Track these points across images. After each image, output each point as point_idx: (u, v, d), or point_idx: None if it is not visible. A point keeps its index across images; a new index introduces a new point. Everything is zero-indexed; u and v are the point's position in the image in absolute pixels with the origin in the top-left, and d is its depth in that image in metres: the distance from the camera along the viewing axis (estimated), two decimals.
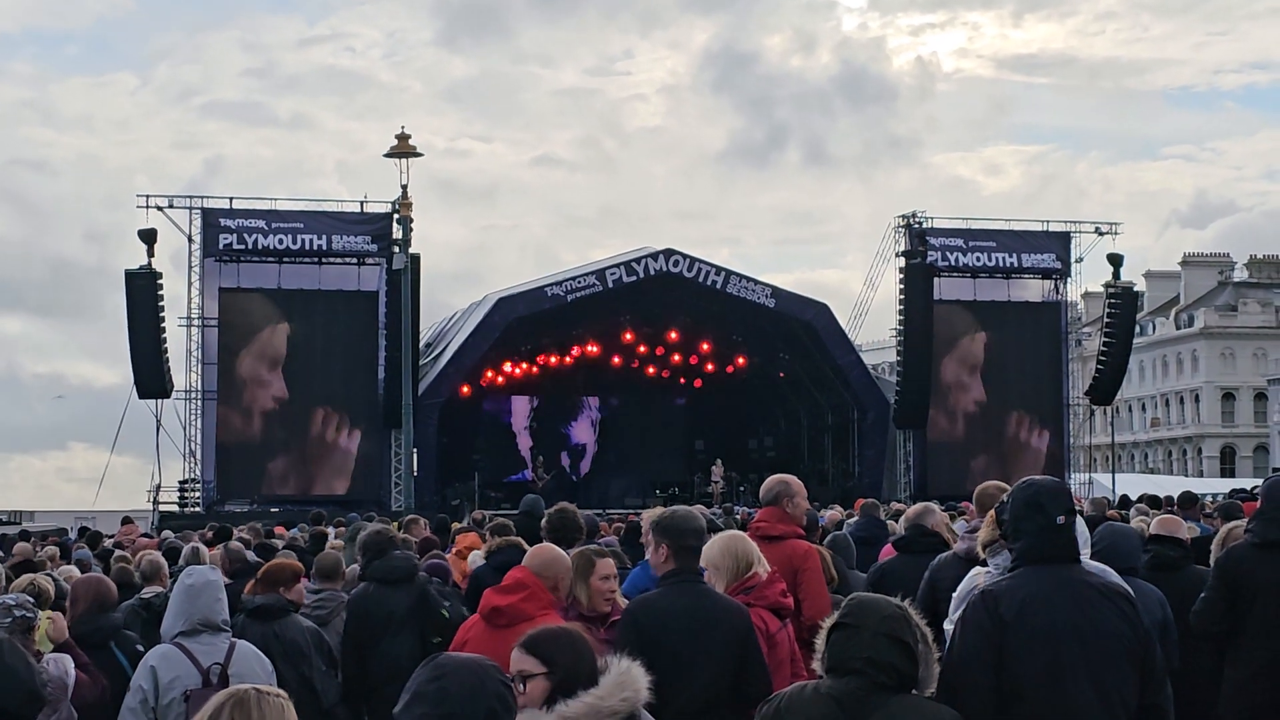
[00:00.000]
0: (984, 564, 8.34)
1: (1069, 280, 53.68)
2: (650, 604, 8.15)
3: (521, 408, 57.96)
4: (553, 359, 55.26)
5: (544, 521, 11.84)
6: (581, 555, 8.81)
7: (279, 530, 22.99)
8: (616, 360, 55.42)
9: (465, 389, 51.05)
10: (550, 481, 49.67)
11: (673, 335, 55.66)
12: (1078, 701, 6.39)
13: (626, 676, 5.74)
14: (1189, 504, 19.77)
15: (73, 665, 8.52)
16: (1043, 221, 53.98)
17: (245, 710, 4.70)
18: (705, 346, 55.94)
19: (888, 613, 5.77)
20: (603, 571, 8.68)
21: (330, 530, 22.71)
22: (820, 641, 5.76)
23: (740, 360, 56.43)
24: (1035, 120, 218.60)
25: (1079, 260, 53.29)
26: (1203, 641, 9.43)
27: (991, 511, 7.98)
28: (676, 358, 56.13)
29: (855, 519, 18.01)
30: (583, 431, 58.95)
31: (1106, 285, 52.52)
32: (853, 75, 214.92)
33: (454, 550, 16.25)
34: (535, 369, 55.30)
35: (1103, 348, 52.52)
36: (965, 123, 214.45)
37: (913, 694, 5.70)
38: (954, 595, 8.44)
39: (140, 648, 9.95)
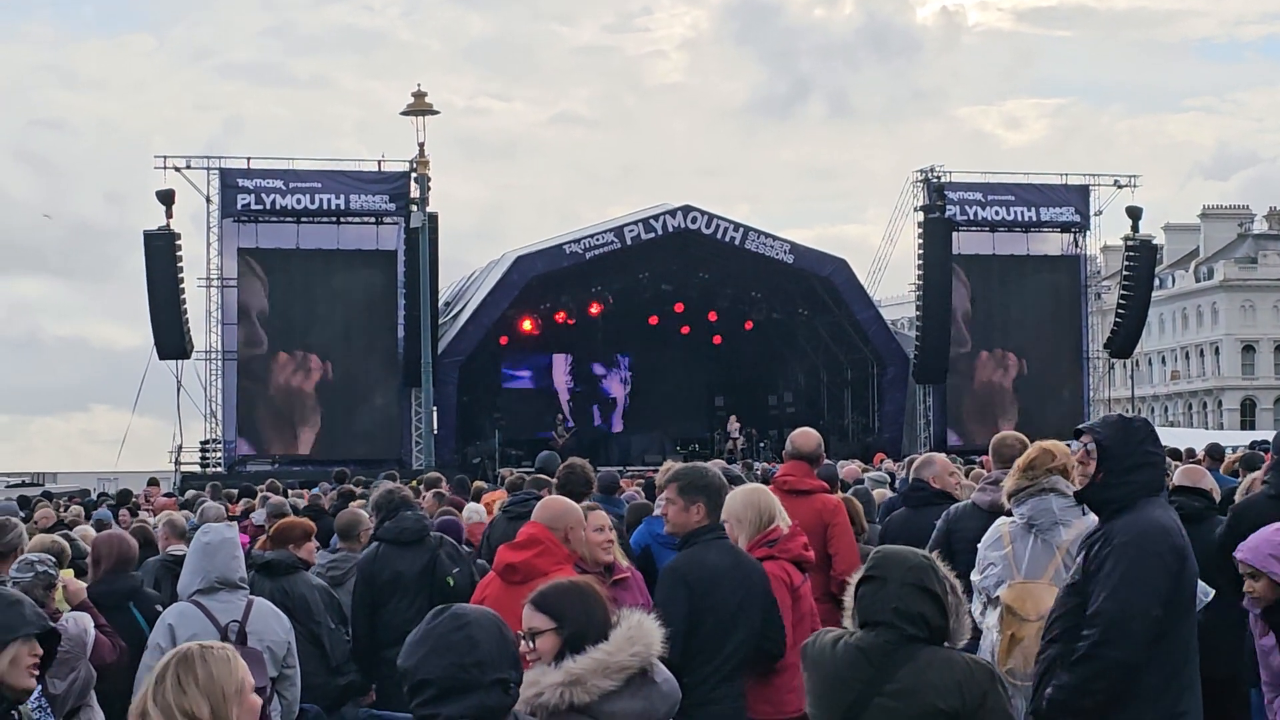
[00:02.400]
0: (1008, 514, 8.31)
1: (1088, 234, 53.56)
2: (697, 560, 8.07)
3: (561, 364, 57.91)
4: (572, 317, 55.20)
5: (555, 478, 11.81)
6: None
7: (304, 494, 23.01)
8: (635, 318, 55.36)
9: (485, 347, 51.02)
10: (570, 439, 49.68)
11: (692, 292, 55.58)
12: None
13: (637, 630, 5.72)
14: (1218, 456, 19.71)
15: (91, 624, 8.53)
16: (1062, 175, 53.83)
17: (190, 666, 4.67)
18: (724, 303, 55.85)
19: (914, 563, 5.69)
20: (595, 524, 8.67)
21: (355, 489, 22.77)
22: (849, 596, 5.73)
23: (759, 316, 56.32)
24: (1057, 73, 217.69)
25: (1098, 213, 53.14)
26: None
27: (1019, 460, 7.95)
28: (695, 314, 56.05)
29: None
30: (614, 388, 58.94)
31: (1125, 238, 52.32)
32: (876, 27, 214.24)
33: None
34: (554, 327, 55.24)
35: (1121, 301, 52.36)
36: (988, 75, 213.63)
37: (943, 647, 5.65)
38: (980, 545, 8.41)
39: (159, 607, 9.98)
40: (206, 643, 4.84)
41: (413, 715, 4.90)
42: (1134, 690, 6.27)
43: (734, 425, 51.86)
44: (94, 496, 30.18)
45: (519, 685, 4.97)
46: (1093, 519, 7.04)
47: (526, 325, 53.73)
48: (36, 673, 5.88)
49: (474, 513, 14.58)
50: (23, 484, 52.01)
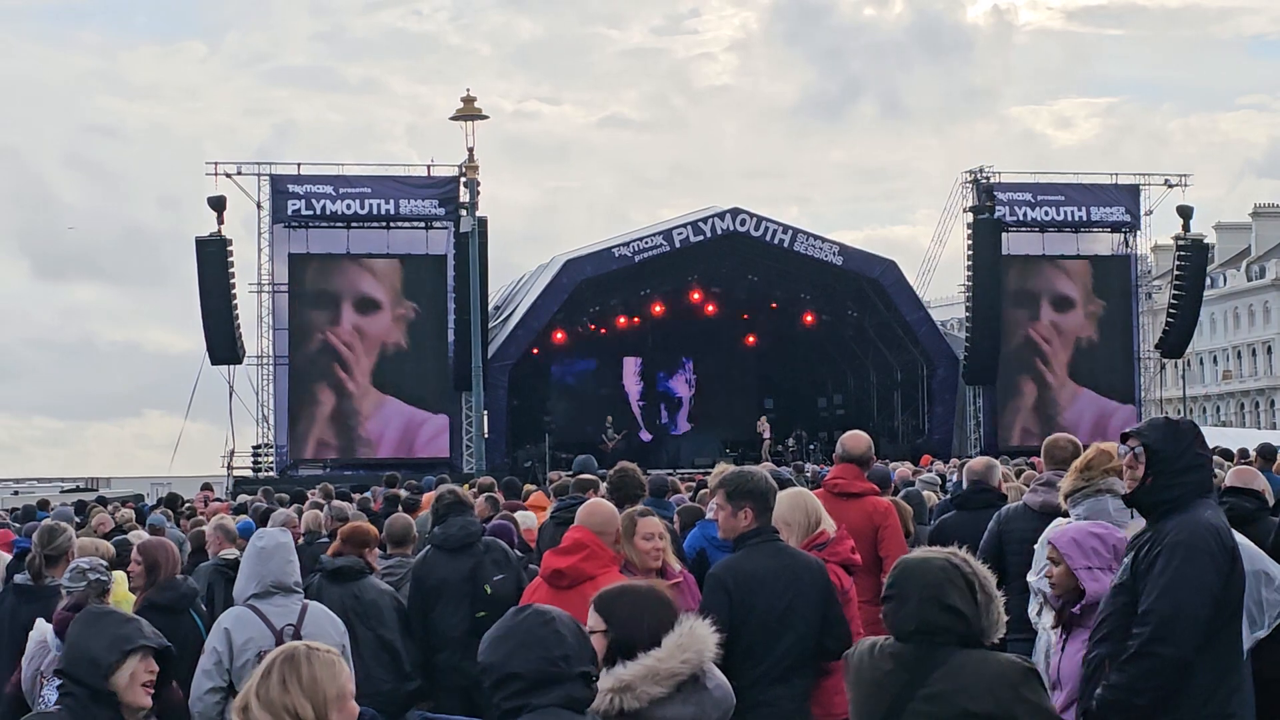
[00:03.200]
0: (1065, 515, 8.31)
1: (1139, 233, 53.30)
2: (737, 567, 8.11)
3: (631, 368, 57.88)
4: (621, 320, 55.24)
5: (606, 481, 11.81)
6: (626, 516, 8.83)
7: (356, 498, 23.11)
8: (684, 320, 55.35)
9: (534, 351, 51.10)
10: (620, 442, 49.73)
11: (741, 294, 55.56)
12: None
13: (688, 637, 5.76)
14: (1270, 456, 19.61)
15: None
16: (1112, 174, 53.57)
17: (295, 666, 4.74)
18: (773, 305, 55.82)
19: (931, 578, 5.65)
20: (645, 530, 8.69)
21: (403, 493, 22.83)
22: (887, 608, 5.77)
23: (809, 318, 56.24)
24: (1108, 72, 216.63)
25: (1149, 213, 52.88)
26: None
27: (1077, 461, 7.94)
28: (745, 317, 56.02)
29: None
30: (680, 388, 58.89)
31: (1176, 238, 52.07)
32: (927, 26, 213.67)
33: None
34: (604, 330, 55.30)
35: (1173, 300, 52.09)
36: (1039, 74, 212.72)
37: (979, 648, 5.67)
38: (1038, 545, 8.41)
39: (204, 608, 10.03)
40: (314, 644, 4.93)
41: (497, 710, 4.99)
42: (1185, 690, 6.26)
43: (763, 425, 51.97)
44: (147, 502, 30.37)
45: (598, 680, 5.11)
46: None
47: (576, 329, 53.79)
48: (152, 690, 5.94)
49: (528, 519, 14.64)
50: (77, 489, 52.48)
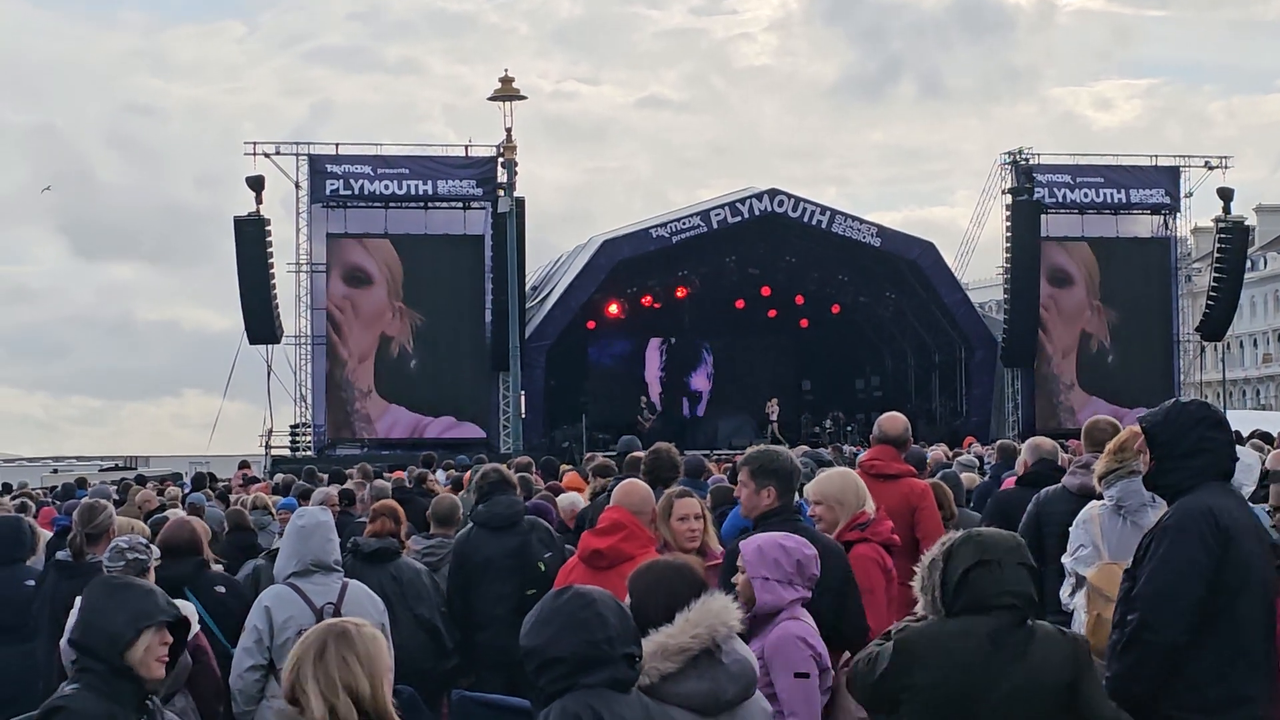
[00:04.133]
0: (1099, 497, 8.29)
1: (1179, 215, 53.06)
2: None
3: (654, 351, 57.81)
4: (658, 301, 55.19)
5: (641, 462, 11.81)
6: (664, 497, 8.83)
7: (396, 474, 23.15)
8: (721, 302, 55.31)
9: (572, 332, 51.10)
10: (656, 422, 49.71)
11: (778, 275, 55.46)
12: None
13: (700, 613, 5.77)
14: None
15: (194, 610, 8.57)
16: (1151, 156, 53.33)
17: (350, 643, 4.79)
18: (811, 286, 55.69)
19: (1015, 543, 5.85)
20: (681, 512, 8.67)
21: (440, 473, 22.89)
22: (932, 580, 5.75)
23: (846, 300, 56.17)
24: (1150, 53, 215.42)
25: (1189, 195, 52.67)
26: None
27: (1110, 443, 7.91)
28: (782, 298, 55.91)
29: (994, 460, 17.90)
30: (699, 381, 58.75)
31: (1217, 220, 51.80)
32: (968, 5, 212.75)
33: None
34: (641, 311, 55.24)
35: (1213, 283, 51.86)
36: (1081, 55, 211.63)
37: (1042, 621, 5.76)
38: (1072, 527, 8.39)
39: (220, 589, 10.02)
40: (357, 620, 4.98)
41: (542, 693, 5.02)
42: (1187, 672, 6.20)
43: (772, 407, 52.00)
44: (186, 480, 30.52)
45: (641, 659, 5.12)
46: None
47: (613, 309, 53.77)
48: (166, 661, 5.97)
49: (569, 500, 14.65)
50: (115, 468, 52.68)
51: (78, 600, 6.11)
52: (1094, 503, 8.33)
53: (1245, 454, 7.71)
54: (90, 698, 5.68)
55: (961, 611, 5.66)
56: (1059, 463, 11.31)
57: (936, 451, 23.45)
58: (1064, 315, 52.20)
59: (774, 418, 51.47)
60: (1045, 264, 51.59)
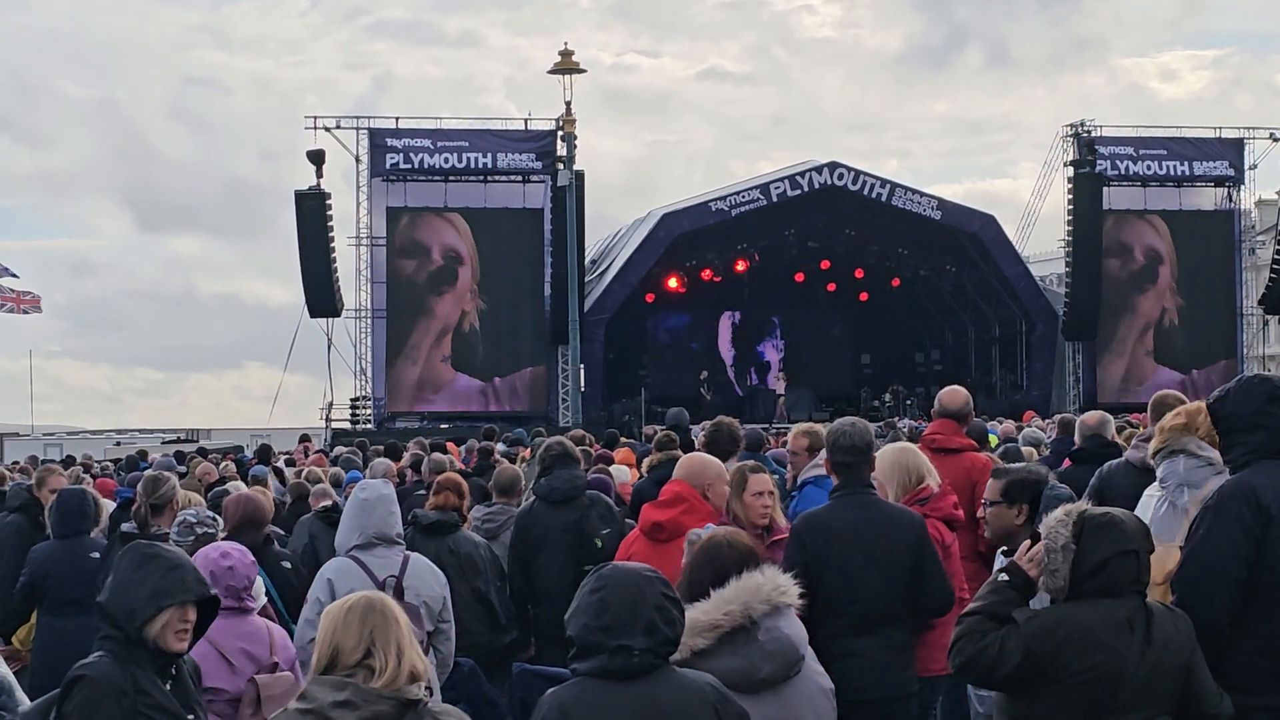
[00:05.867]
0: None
1: (1242, 187, 52.63)
2: (814, 520, 8.16)
3: (726, 325, 57.66)
4: (718, 274, 55.14)
5: (701, 435, 11.78)
6: (737, 471, 8.81)
7: (450, 447, 23.21)
8: (781, 275, 55.22)
9: (631, 305, 51.11)
10: (716, 396, 49.70)
11: (838, 249, 55.32)
12: None
13: (736, 590, 5.74)
14: None
15: (262, 589, 8.60)
16: (1215, 128, 52.89)
17: (391, 608, 4.98)
18: (871, 260, 55.54)
19: (1147, 530, 5.87)
20: (755, 488, 8.65)
21: (501, 446, 22.92)
22: (1066, 563, 5.67)
23: (906, 273, 56.00)
24: (1217, 24, 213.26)
25: (1253, 167, 52.23)
26: None
27: (1164, 419, 7.82)
28: (842, 272, 55.77)
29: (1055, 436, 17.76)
30: (769, 351, 58.58)
31: None
32: None
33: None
34: (700, 284, 55.22)
35: (1277, 256, 51.31)
36: (1148, 25, 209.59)
37: (1150, 601, 5.78)
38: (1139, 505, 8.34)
39: (286, 564, 10.09)
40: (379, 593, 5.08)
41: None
42: (1234, 651, 6.09)
43: (780, 382, 51.95)
44: (246, 453, 30.70)
45: (653, 652, 4.98)
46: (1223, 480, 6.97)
47: (673, 283, 53.75)
48: (188, 637, 6.00)
49: (620, 473, 14.65)
50: (178, 440, 53.02)
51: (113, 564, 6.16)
52: (1154, 485, 8.28)
53: None
54: (110, 664, 5.74)
55: (1090, 594, 5.65)
56: (1109, 437, 11.23)
57: (1006, 425, 23.44)
58: (1144, 290, 51.98)
59: (780, 392, 51.72)
60: (1139, 243, 51.53)
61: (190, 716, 5.97)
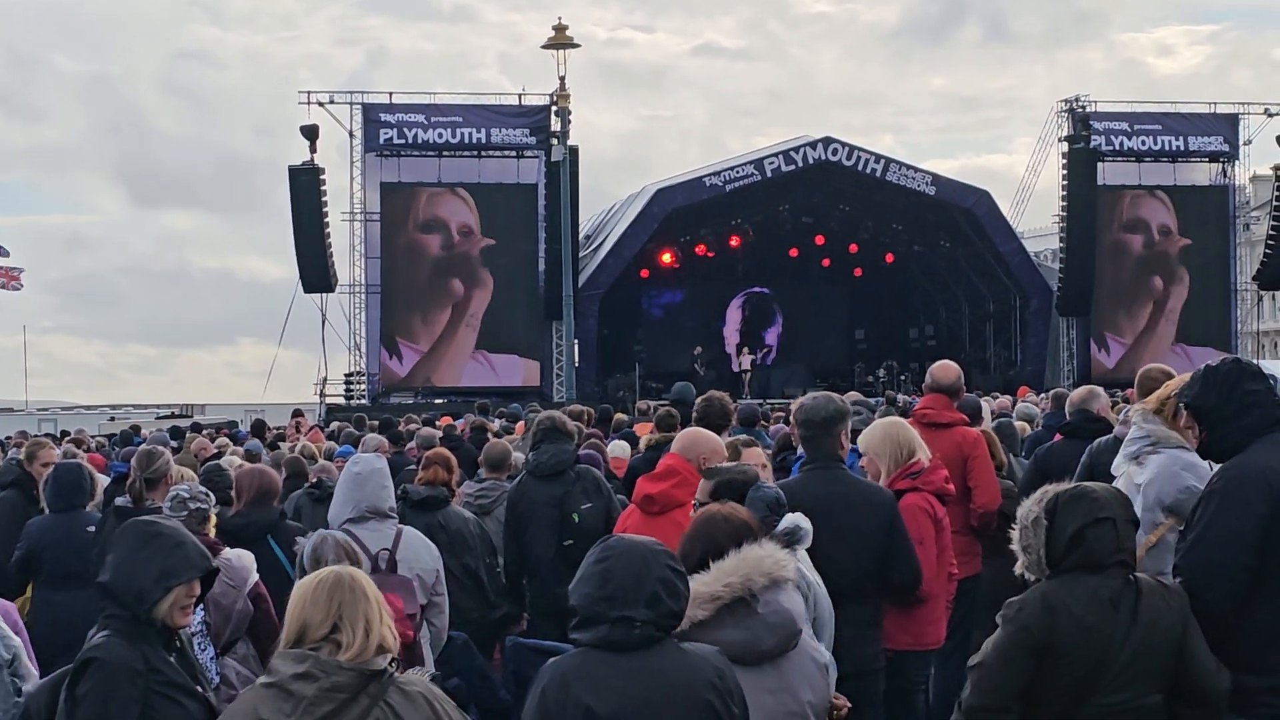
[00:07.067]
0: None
1: (1237, 163, 52.62)
2: (785, 491, 8.17)
3: (735, 305, 57.53)
4: (712, 250, 55.15)
5: (694, 410, 11.85)
6: (730, 446, 8.85)
7: (444, 421, 23.24)
8: (775, 250, 55.23)
9: (625, 280, 51.12)
10: (710, 372, 49.73)
11: (832, 224, 55.34)
12: None
13: (735, 562, 5.76)
14: None
15: (253, 561, 8.64)
16: (1210, 103, 52.90)
17: (362, 581, 5.02)
18: (865, 235, 55.56)
19: (1125, 498, 5.79)
20: (750, 461, 8.70)
21: (495, 421, 22.94)
22: (1038, 539, 5.64)
23: (900, 249, 56.05)
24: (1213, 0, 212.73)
25: (1248, 143, 52.16)
26: None
27: (1151, 397, 7.78)
28: (836, 247, 55.80)
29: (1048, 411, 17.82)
30: (772, 332, 58.39)
31: (1276, 168, 51.30)
32: None
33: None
34: (695, 259, 55.25)
35: (1271, 232, 51.34)
36: (1142, 0, 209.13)
37: (1142, 577, 5.71)
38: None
39: (300, 539, 10.13)
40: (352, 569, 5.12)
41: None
42: (1242, 632, 6.01)
43: (745, 358, 52.11)
44: (241, 429, 30.72)
45: (654, 624, 4.99)
46: (1159, 460, 6.93)
47: (667, 258, 53.79)
48: (192, 612, 6.05)
49: (618, 449, 14.68)
50: (172, 415, 53.03)
51: (111, 542, 6.16)
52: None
53: None
54: (119, 644, 5.74)
55: (1071, 570, 5.59)
56: (1095, 411, 11.25)
57: (1002, 400, 23.48)
58: (1143, 264, 52.13)
59: (745, 368, 51.79)
60: (1157, 222, 51.72)
61: (198, 688, 6.01)
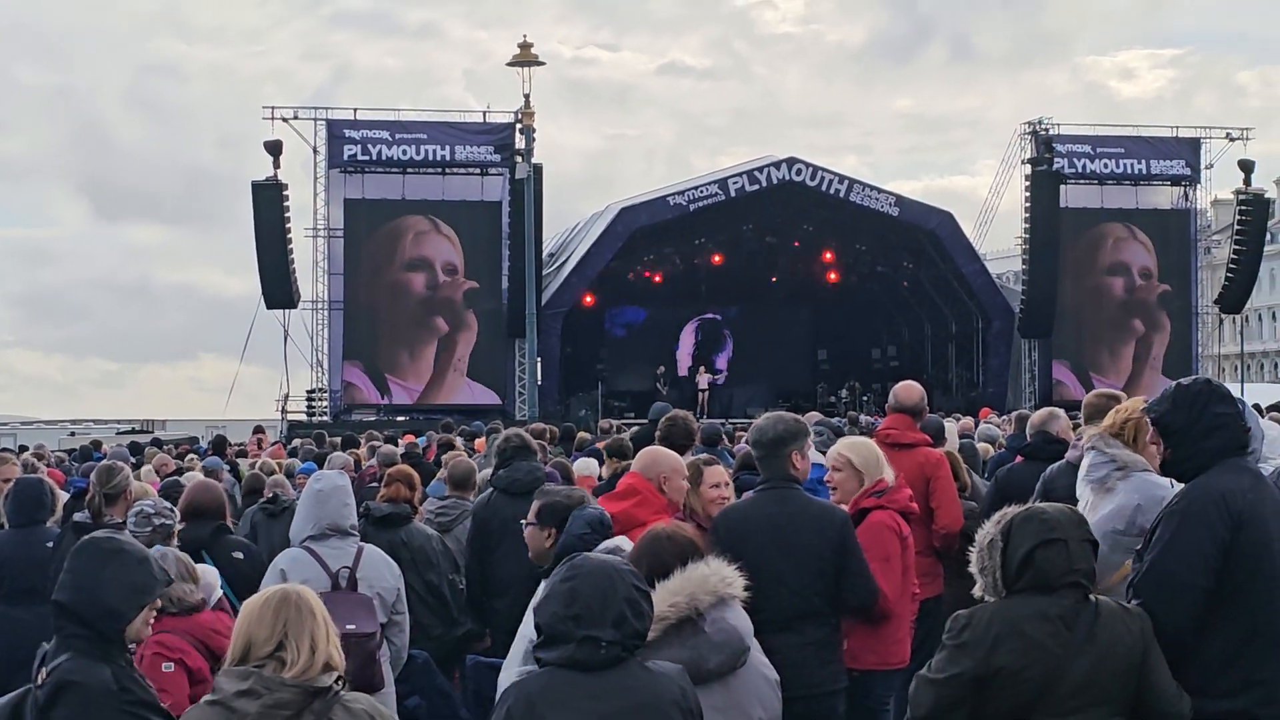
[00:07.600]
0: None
1: (1199, 187, 52.94)
2: (732, 514, 8.19)
3: (688, 334, 57.54)
4: (675, 269, 55.19)
5: (657, 429, 11.81)
6: (691, 465, 8.82)
7: (406, 438, 23.16)
8: (739, 270, 55.29)
9: (588, 299, 51.14)
10: (672, 392, 49.74)
11: (795, 244, 55.44)
12: None
13: (680, 581, 5.75)
14: None
15: (218, 578, 8.57)
16: (1172, 127, 53.18)
17: (309, 600, 5.00)
18: (828, 256, 55.64)
19: (1079, 518, 5.76)
20: (711, 479, 8.68)
21: (459, 440, 22.87)
22: (993, 561, 5.62)
23: (863, 269, 56.18)
24: (1176, 23, 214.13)
25: (1209, 167, 52.54)
26: None
27: (1107, 421, 7.72)
28: (799, 267, 55.91)
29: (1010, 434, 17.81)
30: (722, 357, 58.37)
31: (1237, 192, 51.66)
32: None
33: None
34: (658, 279, 55.27)
35: (1233, 256, 51.74)
36: (1108, 23, 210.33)
37: (1103, 599, 5.67)
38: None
39: (239, 555, 10.03)
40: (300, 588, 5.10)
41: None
42: (1198, 655, 5.98)
43: (702, 378, 52.33)
44: (202, 444, 30.58)
45: (620, 644, 4.97)
46: (1135, 484, 6.87)
47: (630, 277, 53.80)
48: (153, 622, 6.03)
49: (585, 467, 14.62)
50: (132, 431, 52.82)
51: (68, 559, 6.08)
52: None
53: (1269, 427, 7.54)
54: (90, 666, 5.65)
55: (1024, 590, 5.56)
56: (1054, 432, 11.23)
57: (964, 421, 23.49)
58: (1121, 292, 52.47)
59: (703, 387, 52.02)
60: (1138, 265, 52.12)
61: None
